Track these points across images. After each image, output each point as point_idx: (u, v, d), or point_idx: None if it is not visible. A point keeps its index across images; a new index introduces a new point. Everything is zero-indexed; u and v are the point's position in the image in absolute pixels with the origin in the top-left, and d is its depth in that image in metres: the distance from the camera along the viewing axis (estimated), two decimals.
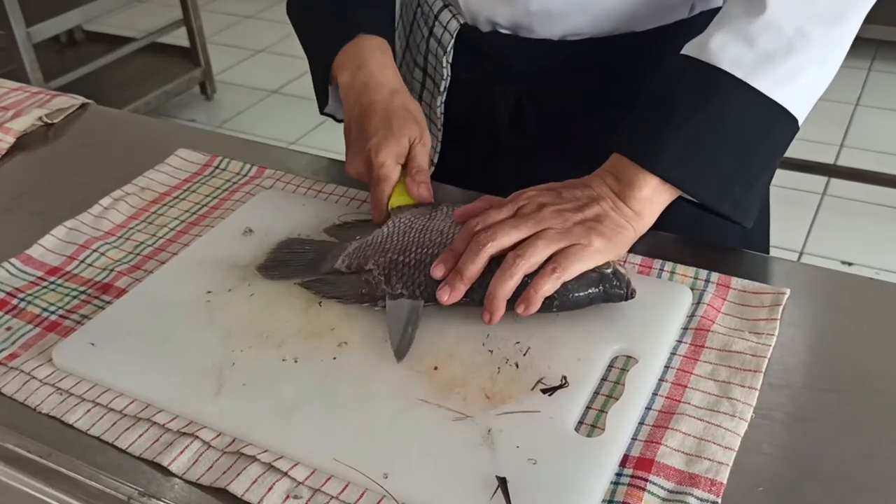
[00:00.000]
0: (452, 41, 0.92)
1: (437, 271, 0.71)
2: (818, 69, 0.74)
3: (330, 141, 3.12)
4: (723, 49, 0.73)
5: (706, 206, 0.75)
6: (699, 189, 0.74)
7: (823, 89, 0.76)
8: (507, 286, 0.68)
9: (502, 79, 0.93)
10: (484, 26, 0.91)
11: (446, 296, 0.69)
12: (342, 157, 0.89)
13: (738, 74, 0.72)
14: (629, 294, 0.70)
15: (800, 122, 0.75)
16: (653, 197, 0.73)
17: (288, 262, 0.79)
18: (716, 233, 0.85)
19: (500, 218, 0.72)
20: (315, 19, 0.94)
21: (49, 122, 1.09)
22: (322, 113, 0.96)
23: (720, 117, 0.72)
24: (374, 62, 0.87)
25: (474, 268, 0.69)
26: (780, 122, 0.74)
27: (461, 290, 0.70)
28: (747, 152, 0.74)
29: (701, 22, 0.80)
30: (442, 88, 0.95)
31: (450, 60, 0.93)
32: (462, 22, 0.91)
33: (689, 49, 0.75)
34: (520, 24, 0.88)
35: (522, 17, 0.87)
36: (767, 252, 1.01)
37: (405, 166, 0.82)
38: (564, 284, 0.69)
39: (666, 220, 0.77)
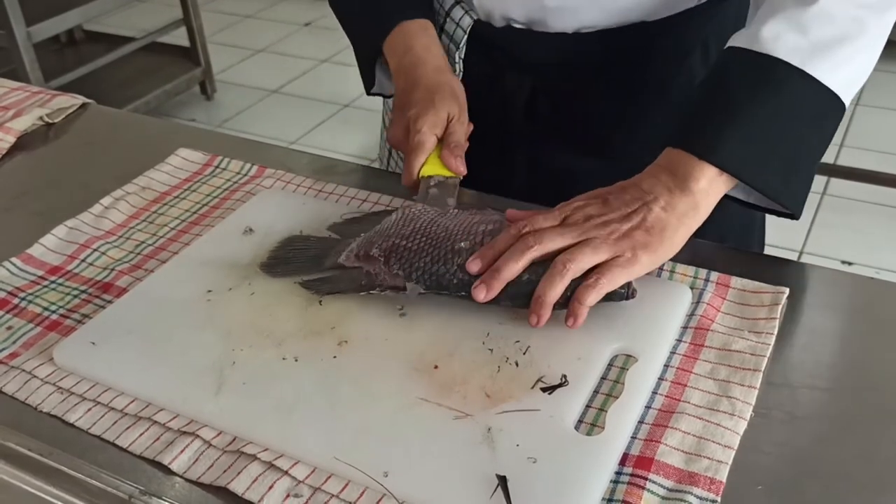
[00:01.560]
0: (465, 37, 0.92)
1: (474, 266, 0.70)
2: (865, 56, 0.75)
3: (330, 141, 3.13)
4: (777, 39, 0.73)
5: (762, 194, 0.74)
6: (757, 178, 0.72)
7: (868, 76, 0.76)
8: (556, 289, 0.68)
9: (516, 72, 0.93)
10: (498, 22, 0.91)
11: (483, 294, 0.69)
12: (342, 157, 0.90)
13: (795, 62, 0.72)
14: (630, 293, 0.70)
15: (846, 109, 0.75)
16: (709, 189, 0.72)
17: (290, 259, 0.79)
18: (715, 233, 0.85)
19: (546, 225, 0.72)
20: (355, 11, 0.98)
21: (49, 121, 1.09)
22: (370, 93, 1.00)
23: (776, 105, 0.72)
24: (418, 44, 0.90)
25: (515, 267, 0.69)
26: (833, 108, 0.74)
27: (497, 289, 0.69)
28: (802, 140, 0.74)
29: (709, 10, 0.79)
30: None
31: (462, 56, 0.93)
32: (475, 18, 0.92)
33: (738, 41, 0.75)
34: (534, 19, 0.89)
35: (537, 13, 0.88)
36: (763, 251, 1.01)
37: (441, 140, 0.84)
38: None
39: None
